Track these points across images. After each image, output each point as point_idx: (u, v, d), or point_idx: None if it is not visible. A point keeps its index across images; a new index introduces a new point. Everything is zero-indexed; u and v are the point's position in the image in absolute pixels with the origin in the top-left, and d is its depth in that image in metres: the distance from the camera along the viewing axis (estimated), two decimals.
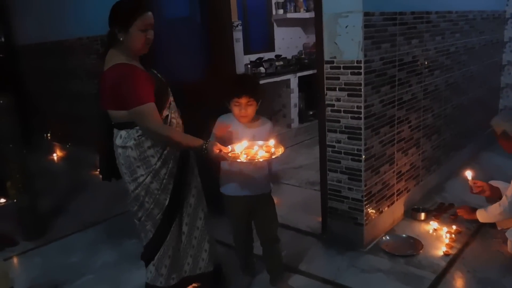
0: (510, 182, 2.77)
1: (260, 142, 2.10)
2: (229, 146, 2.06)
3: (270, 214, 2.44)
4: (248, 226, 2.49)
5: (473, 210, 3.01)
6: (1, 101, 3.14)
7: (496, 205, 2.82)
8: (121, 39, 2.01)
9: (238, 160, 2.00)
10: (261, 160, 2.02)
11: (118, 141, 2.10)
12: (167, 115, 2.11)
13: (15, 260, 3.09)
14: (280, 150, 2.03)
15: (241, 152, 2.03)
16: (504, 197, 2.78)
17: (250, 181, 2.28)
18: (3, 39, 6.13)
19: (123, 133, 2.08)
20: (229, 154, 2.01)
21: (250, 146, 2.07)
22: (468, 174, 2.94)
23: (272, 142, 2.08)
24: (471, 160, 4.21)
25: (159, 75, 2.18)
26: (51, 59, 5.44)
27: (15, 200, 3.34)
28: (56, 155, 5.72)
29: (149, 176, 2.09)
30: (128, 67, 2.00)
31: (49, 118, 5.74)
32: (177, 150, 2.13)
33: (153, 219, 2.17)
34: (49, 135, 5.86)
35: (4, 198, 3.78)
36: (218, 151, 1.97)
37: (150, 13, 2.02)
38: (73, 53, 5.00)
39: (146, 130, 2.02)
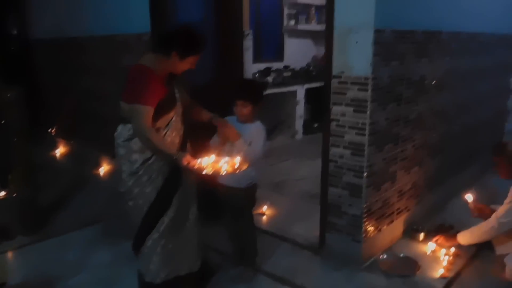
0: None
1: (227, 158, 2.27)
2: (198, 159, 2.17)
3: (238, 208, 2.66)
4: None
5: (452, 236, 3.01)
6: (10, 94, 3.16)
7: (483, 223, 2.81)
8: (171, 59, 2.19)
9: (204, 173, 2.15)
10: (224, 173, 2.20)
11: (115, 134, 2.28)
12: (160, 129, 2.22)
13: (10, 254, 3.09)
14: (244, 166, 2.24)
15: (207, 166, 2.18)
16: (493, 215, 2.76)
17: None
18: (15, 32, 6.16)
19: (119, 127, 2.26)
20: (195, 167, 2.13)
21: (217, 160, 2.23)
22: (469, 197, 2.92)
23: (238, 159, 2.26)
24: (474, 182, 4.17)
25: (177, 94, 2.31)
26: (62, 55, 5.47)
27: (14, 195, 3.33)
28: (60, 151, 5.72)
29: (130, 176, 2.25)
30: (149, 70, 2.15)
31: (56, 113, 5.75)
32: (155, 154, 2.23)
33: (140, 211, 2.29)
34: (54, 130, 5.86)
35: (5, 191, 3.78)
36: (186, 163, 2.12)
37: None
38: (85, 51, 5.03)
39: (134, 127, 2.16)
